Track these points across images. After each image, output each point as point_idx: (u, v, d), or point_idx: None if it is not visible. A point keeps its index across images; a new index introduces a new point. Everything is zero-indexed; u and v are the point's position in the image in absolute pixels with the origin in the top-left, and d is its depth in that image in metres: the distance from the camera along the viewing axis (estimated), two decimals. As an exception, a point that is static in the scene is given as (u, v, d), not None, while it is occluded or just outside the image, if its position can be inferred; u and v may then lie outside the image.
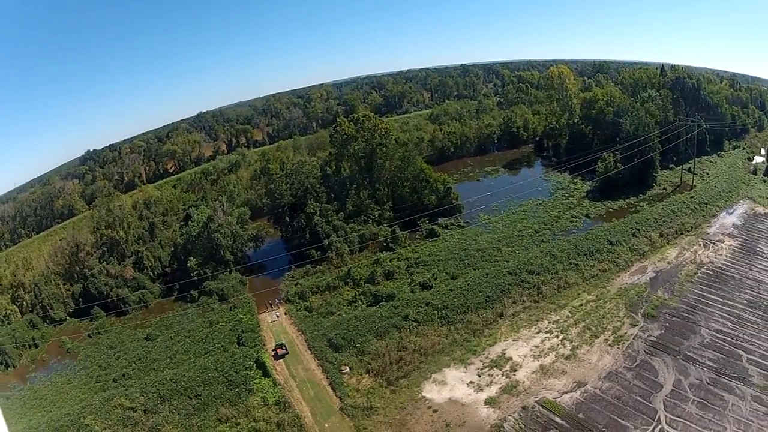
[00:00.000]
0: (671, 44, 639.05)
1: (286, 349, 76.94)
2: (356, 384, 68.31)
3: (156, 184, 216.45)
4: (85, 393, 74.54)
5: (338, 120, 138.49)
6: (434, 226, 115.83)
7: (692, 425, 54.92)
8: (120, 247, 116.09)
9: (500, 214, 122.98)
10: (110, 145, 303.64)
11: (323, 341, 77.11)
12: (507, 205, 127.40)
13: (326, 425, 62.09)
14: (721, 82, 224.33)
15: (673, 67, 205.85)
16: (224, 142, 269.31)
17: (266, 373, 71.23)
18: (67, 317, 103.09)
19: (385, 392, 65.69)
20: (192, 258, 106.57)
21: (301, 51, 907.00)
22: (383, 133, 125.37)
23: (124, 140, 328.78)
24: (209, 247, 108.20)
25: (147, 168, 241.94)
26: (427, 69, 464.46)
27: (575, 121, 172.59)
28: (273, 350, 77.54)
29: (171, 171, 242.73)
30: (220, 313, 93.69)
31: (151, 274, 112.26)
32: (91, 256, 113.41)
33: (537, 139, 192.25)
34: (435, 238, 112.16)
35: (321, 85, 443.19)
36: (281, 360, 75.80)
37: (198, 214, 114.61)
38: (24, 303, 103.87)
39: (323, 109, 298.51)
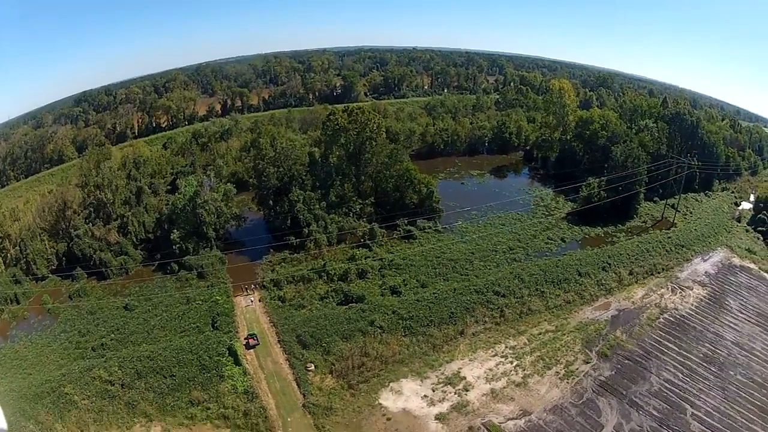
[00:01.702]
0: (684, 66, 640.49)
1: (257, 340, 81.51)
2: (320, 383, 73.32)
3: (147, 138, 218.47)
4: (65, 359, 78.54)
5: (333, 109, 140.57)
6: (412, 228, 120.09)
7: (627, 471, 59.53)
8: (106, 208, 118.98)
9: (478, 223, 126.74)
10: (106, 87, 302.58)
11: (292, 336, 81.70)
12: (486, 215, 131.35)
13: (289, 419, 67.39)
14: (722, 120, 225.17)
15: (676, 100, 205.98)
16: (219, 102, 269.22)
17: (237, 362, 75.74)
18: (50, 274, 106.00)
19: (345, 395, 70.83)
20: (175, 231, 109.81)
21: (309, 10, 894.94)
22: (375, 127, 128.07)
23: (122, 82, 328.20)
24: (193, 221, 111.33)
25: (140, 120, 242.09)
26: (432, 51, 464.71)
27: (568, 137, 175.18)
28: (245, 339, 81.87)
29: (164, 126, 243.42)
30: (197, 290, 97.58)
31: (135, 240, 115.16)
32: (78, 215, 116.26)
33: (527, 147, 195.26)
34: (411, 240, 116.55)
35: (324, 50, 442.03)
36: (252, 350, 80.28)
37: (185, 186, 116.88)
38: (9, 255, 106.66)
39: (322, 81, 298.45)
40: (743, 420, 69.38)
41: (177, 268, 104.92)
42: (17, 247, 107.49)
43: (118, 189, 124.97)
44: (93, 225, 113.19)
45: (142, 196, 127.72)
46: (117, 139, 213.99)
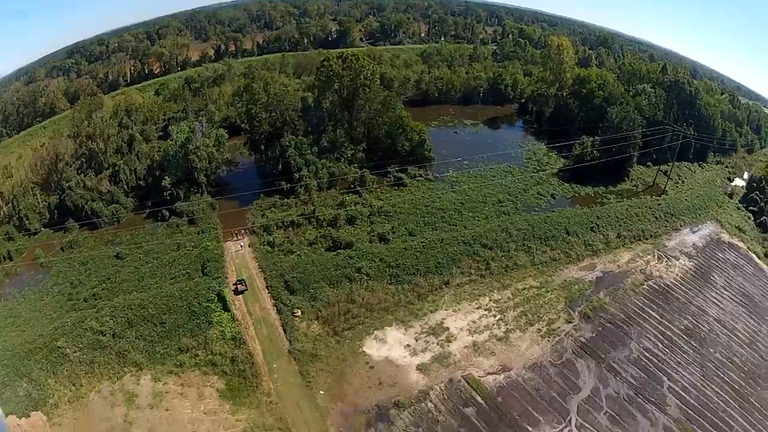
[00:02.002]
0: (686, 35, 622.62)
1: (245, 286, 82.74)
2: (306, 329, 74.84)
3: (140, 85, 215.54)
4: (57, 312, 79.66)
5: (327, 55, 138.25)
6: (403, 175, 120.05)
7: (599, 436, 60.55)
8: (98, 158, 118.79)
9: (469, 173, 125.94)
10: (99, 37, 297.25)
11: (280, 282, 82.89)
12: (478, 165, 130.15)
13: (274, 365, 69.29)
14: (722, 94, 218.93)
15: (675, 68, 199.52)
16: (213, 47, 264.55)
17: (226, 307, 77.02)
18: (42, 228, 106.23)
19: (331, 341, 72.45)
20: (166, 177, 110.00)
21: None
22: (369, 74, 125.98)
23: (115, 31, 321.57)
24: (184, 167, 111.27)
25: (132, 68, 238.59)
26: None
27: (564, 93, 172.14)
28: (234, 285, 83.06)
29: (156, 72, 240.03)
30: (188, 236, 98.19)
31: (126, 188, 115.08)
32: (70, 166, 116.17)
33: (523, 100, 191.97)
34: (402, 188, 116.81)
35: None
36: (240, 296, 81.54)
37: (177, 133, 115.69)
38: (1, 213, 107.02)
39: (317, 26, 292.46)
40: (719, 401, 70.40)
41: (168, 214, 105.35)
42: (9, 204, 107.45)
43: (109, 138, 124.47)
44: (85, 176, 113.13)
45: (134, 144, 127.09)
46: (109, 88, 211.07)
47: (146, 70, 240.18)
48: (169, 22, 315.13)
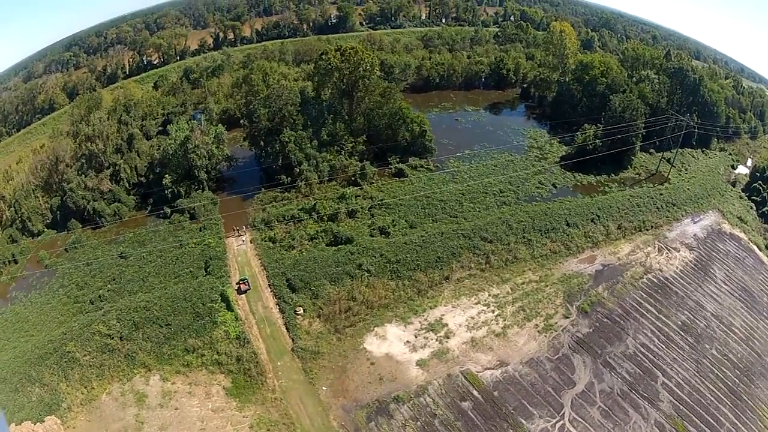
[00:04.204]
0: (689, 12, 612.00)
1: (248, 285, 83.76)
2: (308, 327, 76.14)
3: (138, 77, 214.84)
4: (65, 315, 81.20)
5: (326, 48, 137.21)
6: (403, 166, 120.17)
7: (592, 430, 61.81)
8: (98, 158, 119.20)
9: (470, 162, 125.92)
10: (97, 28, 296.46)
11: (282, 280, 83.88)
12: (479, 154, 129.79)
13: (279, 363, 71.00)
14: (726, 78, 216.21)
15: (679, 53, 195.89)
16: (211, 35, 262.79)
17: (230, 307, 78.21)
18: (45, 229, 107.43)
19: (332, 339, 73.84)
20: (167, 176, 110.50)
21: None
22: (368, 67, 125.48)
23: (113, 20, 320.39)
24: (184, 165, 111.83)
25: (131, 59, 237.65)
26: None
27: (567, 79, 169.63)
28: (237, 284, 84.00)
29: (155, 63, 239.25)
30: (190, 233, 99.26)
31: (127, 186, 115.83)
32: (70, 168, 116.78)
33: (525, 85, 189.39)
34: (402, 179, 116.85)
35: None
36: (243, 295, 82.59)
37: (176, 131, 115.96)
38: (4, 216, 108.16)
39: (316, 12, 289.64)
40: (712, 398, 71.07)
41: (169, 212, 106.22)
42: (12, 208, 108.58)
43: (109, 138, 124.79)
44: (85, 176, 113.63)
45: (134, 142, 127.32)
46: (108, 81, 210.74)
47: (145, 60, 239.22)
48: (167, 11, 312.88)
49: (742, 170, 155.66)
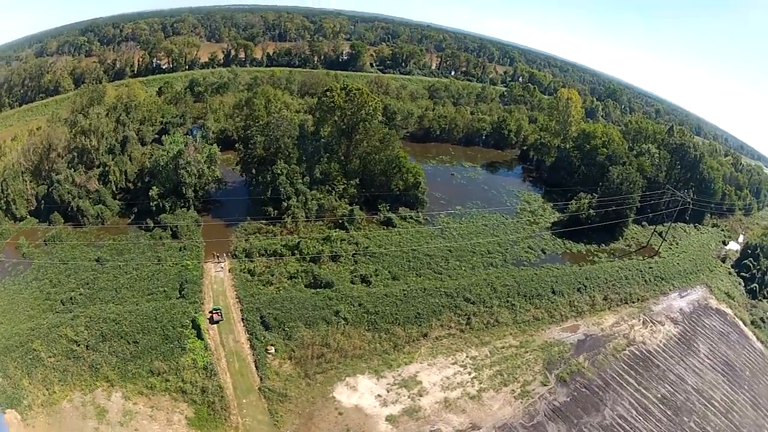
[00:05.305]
0: (692, 85, 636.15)
1: (221, 316, 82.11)
2: (278, 368, 74.66)
3: (145, 78, 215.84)
4: (35, 309, 79.66)
5: (331, 86, 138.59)
6: (393, 215, 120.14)
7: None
8: (90, 154, 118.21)
9: (461, 220, 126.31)
10: (114, 18, 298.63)
11: (256, 316, 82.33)
12: (471, 213, 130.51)
13: (244, 401, 69.32)
14: (725, 156, 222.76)
15: (682, 130, 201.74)
16: (223, 51, 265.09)
17: (200, 335, 76.56)
18: (27, 215, 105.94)
19: (302, 383, 72.39)
20: (154, 188, 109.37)
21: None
22: (371, 110, 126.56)
23: (133, 14, 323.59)
24: (174, 180, 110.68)
25: (141, 58, 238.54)
26: (446, 31, 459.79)
27: (567, 146, 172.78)
28: (210, 313, 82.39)
29: (164, 67, 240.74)
30: (170, 251, 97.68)
31: (114, 189, 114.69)
32: (62, 158, 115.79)
33: (525, 147, 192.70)
34: (390, 228, 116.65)
35: (338, 13, 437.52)
36: (215, 325, 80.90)
37: (170, 143, 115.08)
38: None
39: (329, 46, 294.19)
40: None
41: (152, 225, 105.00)
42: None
43: (104, 136, 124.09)
44: (75, 170, 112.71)
45: (128, 145, 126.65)
46: (115, 76, 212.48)
47: (154, 63, 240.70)
48: (186, 16, 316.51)
49: (734, 246, 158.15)
